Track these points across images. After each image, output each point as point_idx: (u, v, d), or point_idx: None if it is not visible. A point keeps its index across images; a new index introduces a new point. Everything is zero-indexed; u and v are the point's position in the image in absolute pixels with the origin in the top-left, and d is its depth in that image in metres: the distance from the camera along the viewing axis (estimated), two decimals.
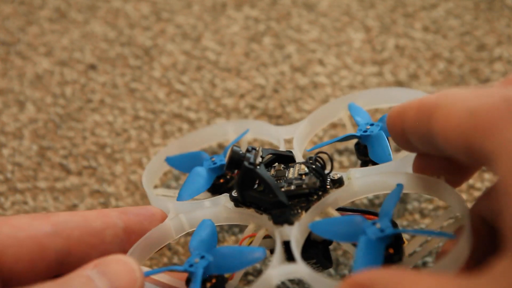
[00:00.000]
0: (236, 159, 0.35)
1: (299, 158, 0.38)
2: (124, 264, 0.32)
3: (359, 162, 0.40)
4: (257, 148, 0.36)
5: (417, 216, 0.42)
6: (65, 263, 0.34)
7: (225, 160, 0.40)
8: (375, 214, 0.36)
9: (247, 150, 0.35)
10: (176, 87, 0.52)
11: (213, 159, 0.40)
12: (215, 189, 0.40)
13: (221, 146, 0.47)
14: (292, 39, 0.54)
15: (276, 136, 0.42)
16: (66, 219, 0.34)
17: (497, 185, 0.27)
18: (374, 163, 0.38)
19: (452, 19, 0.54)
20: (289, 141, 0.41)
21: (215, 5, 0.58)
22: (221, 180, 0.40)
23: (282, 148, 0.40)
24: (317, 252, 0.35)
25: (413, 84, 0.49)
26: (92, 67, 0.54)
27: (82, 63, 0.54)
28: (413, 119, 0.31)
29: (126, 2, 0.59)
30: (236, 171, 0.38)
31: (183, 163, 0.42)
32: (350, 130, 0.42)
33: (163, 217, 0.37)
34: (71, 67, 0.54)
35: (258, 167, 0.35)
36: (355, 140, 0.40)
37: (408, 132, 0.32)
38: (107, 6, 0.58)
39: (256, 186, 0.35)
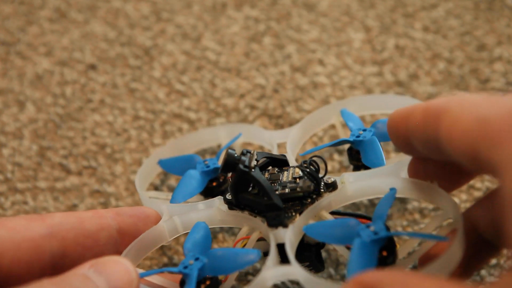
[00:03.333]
0: (231, 162, 0.35)
1: (292, 162, 0.38)
2: (120, 265, 0.32)
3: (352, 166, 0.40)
4: (252, 152, 0.36)
5: (417, 216, 0.42)
6: (59, 264, 0.34)
7: (218, 163, 0.40)
8: (369, 218, 0.36)
9: (242, 153, 0.35)
10: (176, 87, 0.52)
11: (206, 162, 0.41)
12: (207, 192, 0.40)
13: (213, 151, 0.47)
14: (292, 39, 0.54)
15: (269, 141, 0.42)
16: (62, 220, 0.34)
17: (501, 197, 0.27)
18: (366, 168, 0.38)
19: (452, 19, 0.54)
20: (281, 146, 0.41)
21: (215, 5, 0.58)
22: (214, 183, 0.40)
23: (275, 152, 0.40)
24: (311, 255, 0.36)
25: (413, 84, 0.49)
26: (92, 67, 0.54)
27: (82, 63, 0.54)
28: (419, 121, 0.31)
29: (126, 2, 0.59)
30: (230, 174, 0.38)
31: (176, 166, 0.42)
32: (342, 136, 0.43)
33: (157, 219, 0.37)
34: (71, 67, 0.54)
35: (253, 170, 0.35)
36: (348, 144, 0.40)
37: (412, 135, 0.32)
38: (107, 6, 0.58)
39: (250, 189, 0.36)
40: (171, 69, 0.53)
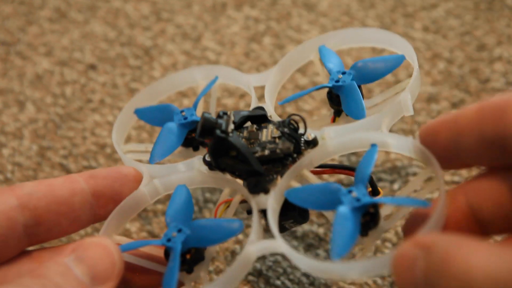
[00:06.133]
0: (208, 127, 0.34)
1: (271, 111, 0.38)
2: (102, 248, 0.31)
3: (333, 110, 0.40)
4: (229, 113, 0.35)
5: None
6: (34, 233, 0.34)
7: (196, 115, 0.39)
8: (353, 169, 0.35)
9: (218, 116, 0.34)
10: None
11: (183, 113, 0.40)
12: (188, 143, 0.40)
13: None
14: (292, 39, 0.54)
15: (247, 84, 0.41)
16: (32, 190, 0.34)
17: None
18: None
19: (452, 19, 0.54)
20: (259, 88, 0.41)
21: (215, 5, 0.58)
22: (193, 134, 0.40)
23: (253, 95, 0.40)
24: (294, 213, 0.35)
25: None
26: (92, 67, 0.54)
27: (82, 63, 0.54)
28: (472, 121, 0.30)
29: (126, 2, 0.59)
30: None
31: (153, 116, 0.41)
32: (321, 73, 0.42)
33: (137, 177, 0.37)
34: (71, 67, 0.54)
35: (230, 134, 0.34)
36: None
37: (462, 138, 0.30)
38: (107, 6, 0.58)
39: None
40: (171, 69, 0.53)
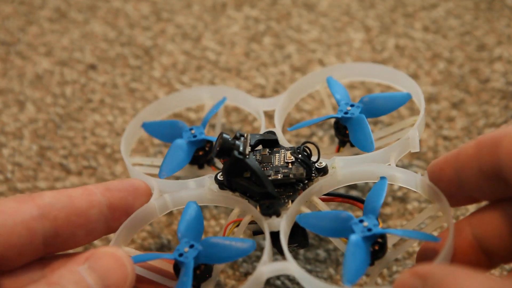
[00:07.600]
0: (226, 148, 0.35)
1: (280, 135, 0.39)
2: (115, 259, 0.31)
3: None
4: (246, 135, 0.36)
5: (417, 216, 0.42)
6: (51, 244, 0.34)
7: (204, 134, 0.40)
8: (362, 201, 0.36)
9: (235, 137, 0.35)
10: (176, 87, 0.52)
11: (193, 131, 0.40)
12: (194, 161, 0.40)
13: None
14: (292, 39, 0.54)
15: (255, 108, 0.42)
16: (52, 200, 0.34)
17: None
18: (352, 144, 0.39)
19: (452, 19, 0.54)
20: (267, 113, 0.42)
21: (215, 5, 0.58)
22: (200, 153, 0.40)
23: (263, 121, 0.41)
24: (301, 238, 0.36)
25: None
26: (92, 67, 0.54)
27: (82, 63, 0.54)
28: (471, 154, 0.31)
29: (126, 2, 0.59)
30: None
31: (160, 131, 0.42)
32: (328, 105, 0.43)
33: (147, 191, 0.37)
34: (71, 67, 0.54)
35: (247, 156, 0.35)
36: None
37: (463, 171, 0.32)
38: (107, 6, 0.58)
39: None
40: (171, 69, 0.53)
